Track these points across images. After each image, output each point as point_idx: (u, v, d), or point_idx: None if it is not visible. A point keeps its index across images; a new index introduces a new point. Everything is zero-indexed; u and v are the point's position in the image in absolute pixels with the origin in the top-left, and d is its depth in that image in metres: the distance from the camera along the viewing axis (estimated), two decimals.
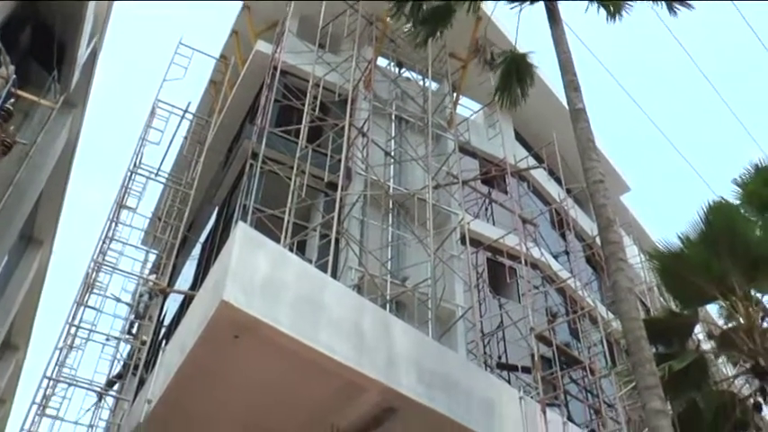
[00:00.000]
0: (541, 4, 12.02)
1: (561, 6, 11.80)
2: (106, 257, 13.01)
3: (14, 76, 10.94)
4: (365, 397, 8.84)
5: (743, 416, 11.73)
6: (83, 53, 14.16)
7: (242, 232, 8.13)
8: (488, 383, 10.45)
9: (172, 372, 8.57)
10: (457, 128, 16.91)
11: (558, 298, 16.96)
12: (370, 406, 9.05)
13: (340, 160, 13.02)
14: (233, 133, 17.46)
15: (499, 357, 14.40)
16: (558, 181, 17.93)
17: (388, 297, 12.19)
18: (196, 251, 15.75)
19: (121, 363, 13.46)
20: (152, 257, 16.55)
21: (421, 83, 17.52)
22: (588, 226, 19.45)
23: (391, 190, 14.25)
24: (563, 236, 19.27)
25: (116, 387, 13.53)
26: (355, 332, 8.54)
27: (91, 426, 11.56)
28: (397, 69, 17.80)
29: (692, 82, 69.23)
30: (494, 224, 16.88)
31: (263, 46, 16.27)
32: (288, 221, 11.27)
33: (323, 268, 10.10)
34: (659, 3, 12.63)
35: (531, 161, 18.44)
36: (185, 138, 16.29)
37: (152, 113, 14.97)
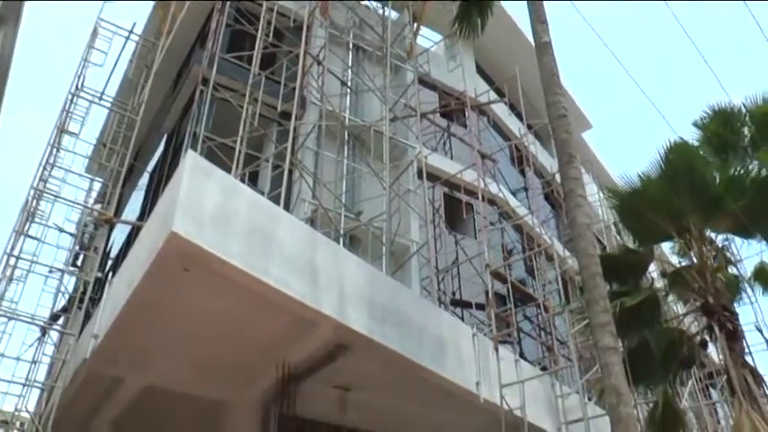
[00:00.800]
0: None
1: None
2: (47, 185, 12.38)
3: None
4: (317, 333, 8.67)
5: (690, 353, 11.96)
6: None
7: (191, 161, 7.72)
8: (442, 320, 10.34)
9: (119, 306, 8.22)
10: (416, 59, 16.42)
11: (515, 235, 16.93)
12: (321, 342, 8.91)
13: (294, 89, 12.55)
14: (182, 58, 16.75)
15: (453, 294, 14.34)
16: (519, 117, 17.67)
17: (341, 231, 11.96)
18: (144, 180, 15.22)
19: (66, 296, 13.02)
20: (97, 186, 15.93)
21: (380, 11, 16.90)
22: (548, 163, 19.36)
23: (347, 121, 13.84)
24: (522, 172, 19.17)
25: (61, 321, 13.15)
26: (308, 266, 8.27)
27: (34, 362, 11.12)
28: None
29: (659, 21, 69.15)
30: (452, 159, 16.65)
31: None
32: (239, 151, 10.92)
33: (275, 200, 9.80)
34: None
35: (493, 95, 18.15)
36: (131, 61, 15.53)
37: (94, 33, 14.14)
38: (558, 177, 11.34)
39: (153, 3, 18.29)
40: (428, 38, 18.96)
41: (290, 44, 13.59)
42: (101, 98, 13.79)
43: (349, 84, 14.75)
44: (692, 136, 16.44)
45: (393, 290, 9.75)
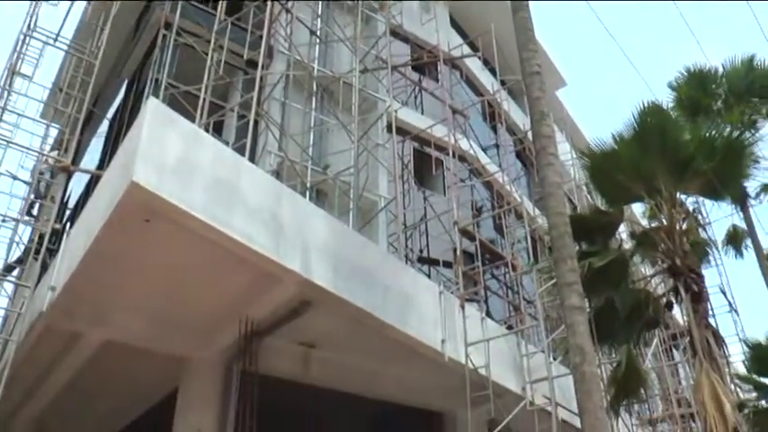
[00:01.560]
0: None
1: None
2: None
3: None
4: (281, 288, 8.47)
5: (655, 314, 12.04)
6: None
7: (153, 108, 7.39)
8: (408, 277, 10.21)
9: (77, 257, 7.95)
10: (389, 10, 15.98)
11: (485, 192, 16.79)
12: (285, 298, 8.72)
13: (261, 37, 12.10)
14: None
15: (421, 251, 14.22)
16: (493, 72, 17.39)
17: (308, 185, 11.68)
18: (103, 128, 14.73)
19: (21, 247, 12.60)
20: (53, 132, 15.36)
21: None
22: (521, 120, 19.19)
23: (315, 72, 13.45)
24: (494, 129, 18.99)
25: (15, 273, 12.75)
26: (272, 220, 8.03)
27: None
28: None
29: None
30: (422, 113, 16.35)
31: None
32: (204, 100, 10.53)
33: (240, 151, 9.47)
34: None
35: (466, 50, 17.83)
36: (88, 1, 14.87)
37: None
38: (530, 135, 11.19)
39: None
40: None
41: None
42: (56, 40, 13.19)
43: (318, 33, 14.32)
44: (667, 98, 16.45)
45: (359, 246, 9.58)
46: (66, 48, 13.73)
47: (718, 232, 19.09)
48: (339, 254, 8.76)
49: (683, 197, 12.35)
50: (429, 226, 14.43)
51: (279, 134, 12.01)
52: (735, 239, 18.67)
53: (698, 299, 10.91)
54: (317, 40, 14.17)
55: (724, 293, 20.41)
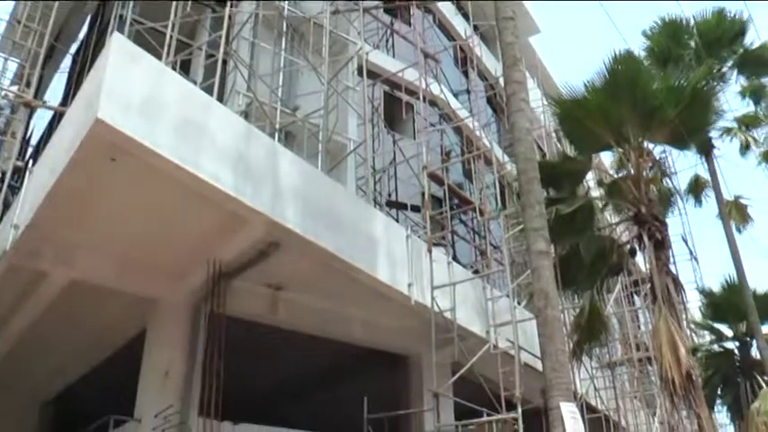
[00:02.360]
0: None
1: None
2: None
3: None
4: (248, 230, 8.45)
5: (618, 260, 12.25)
6: None
7: (118, 44, 7.20)
8: (376, 221, 10.23)
9: (41, 196, 7.83)
10: None
11: (455, 137, 16.75)
12: (253, 239, 8.69)
13: None
14: None
15: (389, 195, 14.23)
16: (466, 17, 17.20)
17: (277, 126, 11.51)
18: (66, 64, 14.32)
19: None
20: (12, 67, 14.91)
21: None
22: (492, 66, 19.05)
23: (286, 11, 13.13)
24: (465, 74, 18.84)
25: None
26: (241, 161, 7.95)
27: None
28: None
29: None
30: (393, 57, 16.15)
31: None
32: (170, 37, 10.21)
33: (208, 91, 9.26)
34: None
35: None
36: None
37: None
38: (501, 81, 11.14)
39: None
40: None
41: None
42: None
43: None
44: (640, 47, 16.46)
45: (328, 188, 9.56)
46: None
47: (682, 182, 19.34)
48: (307, 196, 8.74)
49: (650, 146, 12.48)
50: (398, 170, 14.42)
51: (248, 74, 11.77)
52: (696, 189, 18.98)
53: (661, 246, 11.13)
54: None
55: (686, 242, 20.80)
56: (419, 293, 10.17)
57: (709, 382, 18.18)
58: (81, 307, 10.15)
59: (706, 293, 19.68)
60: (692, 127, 11.48)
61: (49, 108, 12.90)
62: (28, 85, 11.91)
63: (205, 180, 7.30)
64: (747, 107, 18.49)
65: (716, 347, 19.77)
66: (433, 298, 10.33)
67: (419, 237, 11.12)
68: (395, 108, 15.40)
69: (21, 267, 9.04)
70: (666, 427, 17.75)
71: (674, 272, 12.15)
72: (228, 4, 11.18)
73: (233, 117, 8.66)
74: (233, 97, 11.58)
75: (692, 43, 17.55)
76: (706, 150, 16.95)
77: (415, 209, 14.01)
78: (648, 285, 11.42)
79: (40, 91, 13.91)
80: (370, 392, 10.39)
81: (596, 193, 14.72)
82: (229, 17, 11.15)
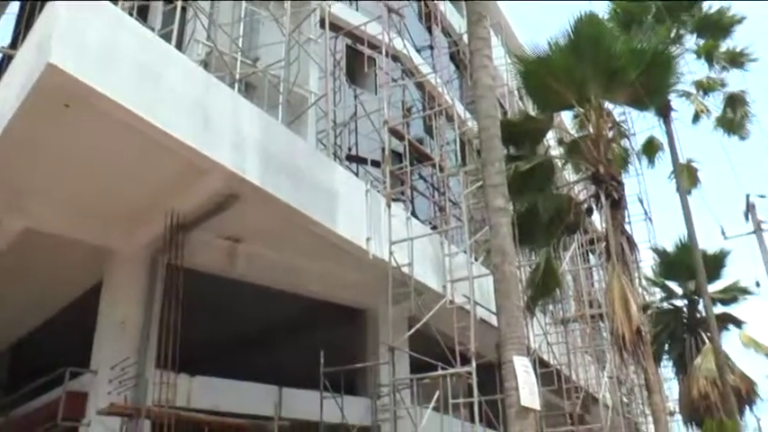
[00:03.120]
0: None
1: None
2: None
3: None
4: (207, 182, 8.34)
5: (575, 219, 12.42)
6: None
7: None
8: (336, 175, 10.19)
9: None
10: None
11: (417, 93, 16.66)
12: (212, 191, 8.58)
13: None
14: None
15: (349, 149, 14.15)
16: None
17: (237, 76, 11.32)
18: (14, 5, 13.80)
19: None
20: None
21: None
22: (457, 23, 18.88)
23: None
24: (429, 30, 18.65)
25: None
26: (200, 111, 7.80)
27: None
28: None
29: None
30: (357, 10, 15.91)
31: None
32: None
33: (166, 39, 9.01)
34: None
35: None
36: None
37: None
38: (465, 38, 11.07)
39: None
40: None
41: None
42: None
43: None
44: (604, 9, 16.51)
45: (288, 141, 9.46)
46: None
47: (641, 144, 19.58)
48: (267, 148, 8.64)
49: (610, 107, 12.60)
50: (359, 124, 14.32)
51: (207, 23, 11.50)
52: (650, 150, 19.26)
53: (617, 206, 11.31)
54: None
55: (641, 202, 21.27)
56: (377, 248, 10.22)
57: (658, 338, 18.75)
58: (36, 257, 10.00)
59: (659, 252, 20.16)
60: (652, 89, 11.60)
61: None
62: None
63: (162, 129, 7.16)
64: (706, 71, 18.73)
65: (665, 305, 20.33)
66: (390, 253, 10.38)
67: (379, 192, 11.13)
68: (357, 62, 15.23)
69: None
70: (615, 381, 18.36)
71: (629, 231, 12.42)
72: None
73: (192, 66, 8.48)
74: (192, 46, 11.32)
75: (653, 6, 17.63)
76: (664, 113, 17.15)
77: (376, 164, 13.97)
78: (604, 244, 11.61)
79: None
80: (327, 346, 10.48)
81: (556, 152, 14.85)
82: None
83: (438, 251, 11.67)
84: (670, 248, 19.43)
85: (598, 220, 13.19)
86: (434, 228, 13.37)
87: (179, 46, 10.45)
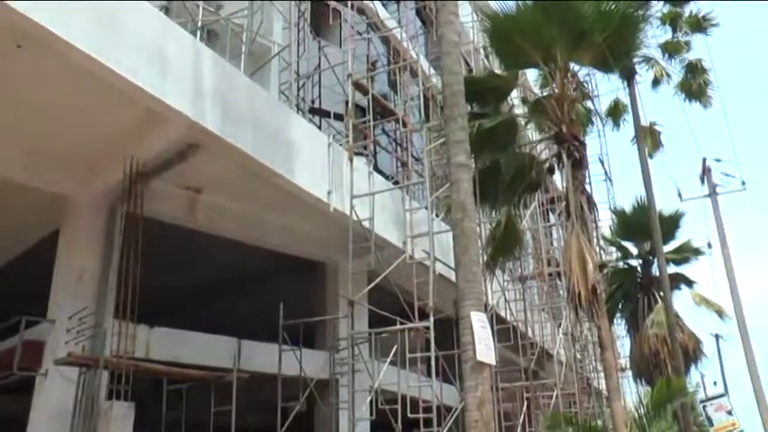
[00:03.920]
0: None
1: None
2: None
3: None
4: (167, 130, 8.19)
5: (537, 178, 12.53)
6: None
7: None
8: (298, 127, 10.09)
9: None
10: None
11: (382, 48, 16.50)
12: (172, 139, 8.44)
13: None
14: None
15: (312, 102, 14.00)
16: None
17: (199, 24, 11.09)
18: None
19: None
20: None
21: None
22: None
23: None
24: None
25: None
26: (160, 58, 7.60)
27: None
28: None
29: None
30: None
31: None
32: None
33: None
34: None
35: None
36: None
37: None
38: None
39: None
40: None
41: None
42: None
43: None
44: None
45: (250, 91, 9.30)
46: None
47: (604, 105, 19.71)
48: (229, 98, 8.49)
49: (576, 68, 12.61)
50: (322, 77, 14.15)
51: None
52: (615, 113, 19.40)
53: (578, 166, 11.41)
54: None
55: (602, 162, 21.53)
56: (338, 201, 10.21)
57: (612, 296, 19.15)
58: None
59: (617, 213, 20.49)
60: (618, 52, 11.60)
61: None
62: None
63: (120, 74, 6.95)
64: (669, 35, 18.83)
65: (621, 264, 20.74)
66: (352, 207, 10.39)
67: (341, 145, 11.07)
68: (322, 14, 14.98)
69: None
70: (570, 337, 18.79)
71: (589, 191, 12.57)
72: None
73: (152, 11, 8.21)
74: None
75: None
76: (628, 76, 17.24)
77: (338, 117, 13.86)
78: (564, 203, 11.74)
79: None
80: (287, 298, 10.50)
81: (520, 110, 14.88)
82: None
83: (399, 206, 11.70)
84: (628, 209, 19.72)
85: (559, 180, 13.29)
86: (396, 183, 13.38)
87: None
